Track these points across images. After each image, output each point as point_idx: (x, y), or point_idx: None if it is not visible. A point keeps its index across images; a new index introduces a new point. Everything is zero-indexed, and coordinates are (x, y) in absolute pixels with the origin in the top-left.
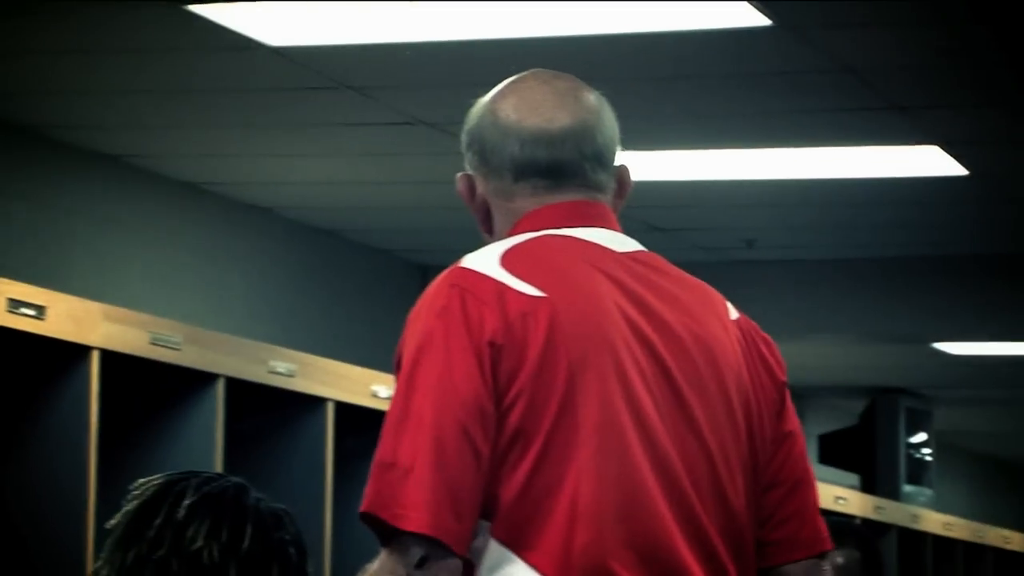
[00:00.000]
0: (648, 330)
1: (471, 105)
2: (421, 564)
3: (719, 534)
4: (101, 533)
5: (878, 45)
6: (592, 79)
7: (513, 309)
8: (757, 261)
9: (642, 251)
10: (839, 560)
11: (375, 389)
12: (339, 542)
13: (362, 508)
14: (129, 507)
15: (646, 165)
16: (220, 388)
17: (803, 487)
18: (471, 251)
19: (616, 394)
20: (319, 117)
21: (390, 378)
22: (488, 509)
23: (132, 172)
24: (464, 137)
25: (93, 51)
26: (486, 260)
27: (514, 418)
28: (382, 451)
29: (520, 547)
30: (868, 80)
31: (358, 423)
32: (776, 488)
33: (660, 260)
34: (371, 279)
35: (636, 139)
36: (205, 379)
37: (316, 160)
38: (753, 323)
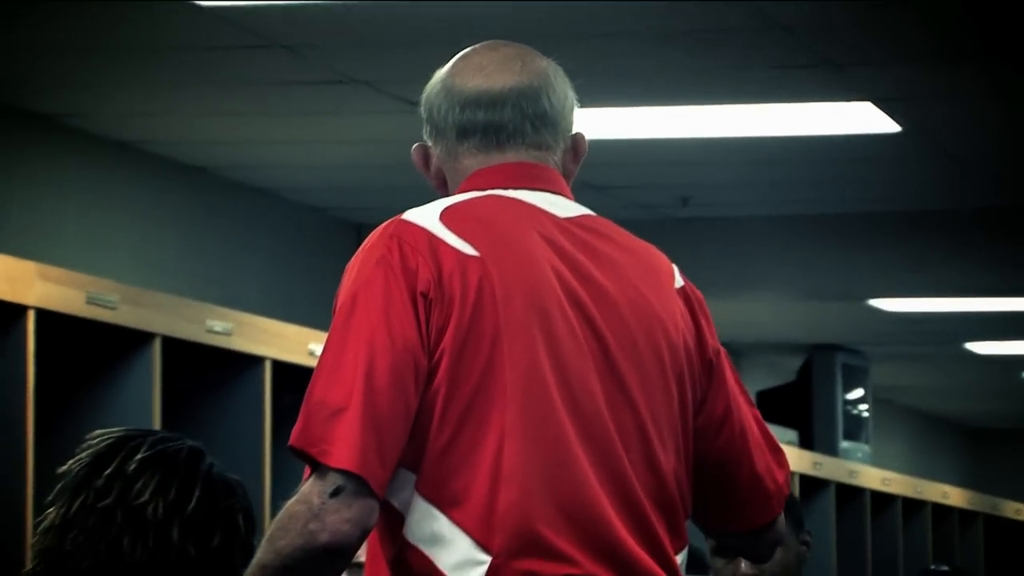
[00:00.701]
0: (582, 295)
1: (404, 63)
2: (336, 493)
3: (649, 498)
4: (39, 490)
5: (810, 1)
6: (526, 38)
7: (446, 264)
8: (692, 219)
9: (587, 215)
10: None
11: (312, 347)
12: (279, 500)
13: (291, 442)
14: (83, 456)
15: (581, 123)
16: (156, 347)
17: (743, 463)
18: (406, 208)
19: (543, 357)
20: (253, 76)
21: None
22: (414, 463)
23: (65, 132)
24: (421, 108)
25: (22, 10)
26: (426, 215)
27: (440, 374)
28: (315, 389)
29: (444, 504)
30: (801, 37)
31: (295, 381)
32: (723, 465)
33: (606, 224)
34: (307, 238)
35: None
36: (141, 338)
37: (250, 119)
38: (698, 293)
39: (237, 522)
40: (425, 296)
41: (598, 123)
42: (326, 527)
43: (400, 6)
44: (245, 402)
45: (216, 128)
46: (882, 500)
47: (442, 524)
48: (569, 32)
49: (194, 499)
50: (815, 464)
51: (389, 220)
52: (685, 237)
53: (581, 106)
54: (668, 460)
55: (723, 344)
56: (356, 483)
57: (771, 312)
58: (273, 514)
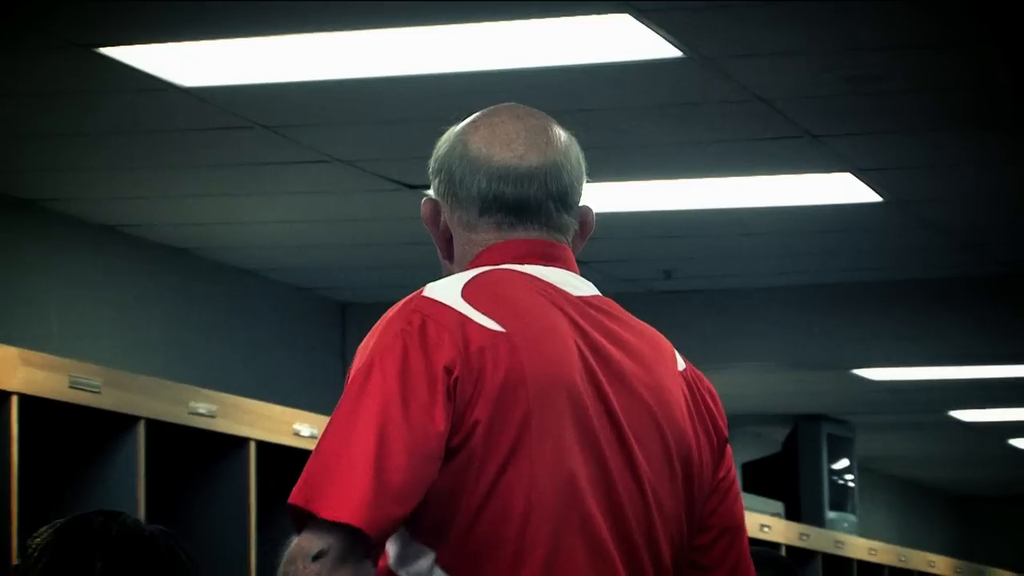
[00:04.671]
0: (600, 374)
1: (387, 141)
2: (319, 557)
3: None
4: None
5: (789, 74)
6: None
7: (474, 341)
8: (676, 291)
9: (597, 295)
10: None
11: (297, 428)
12: None
13: (291, 499)
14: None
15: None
16: (141, 430)
17: (736, 533)
18: (391, 287)
19: (570, 436)
20: (235, 157)
21: (312, 416)
22: (434, 537)
23: (48, 216)
24: (432, 163)
25: (4, 95)
26: (448, 290)
27: (467, 449)
28: (324, 448)
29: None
30: (780, 109)
31: (280, 462)
32: (707, 532)
33: (614, 305)
34: (291, 318)
35: None
36: (125, 422)
37: (233, 200)
38: (699, 373)
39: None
40: (449, 371)
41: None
42: None
43: (381, 84)
44: (230, 483)
45: (199, 210)
46: (869, 570)
47: None
48: (548, 108)
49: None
50: (801, 535)
51: (410, 296)
52: (669, 310)
53: None
54: (668, 543)
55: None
56: (343, 546)
57: (756, 383)
58: None
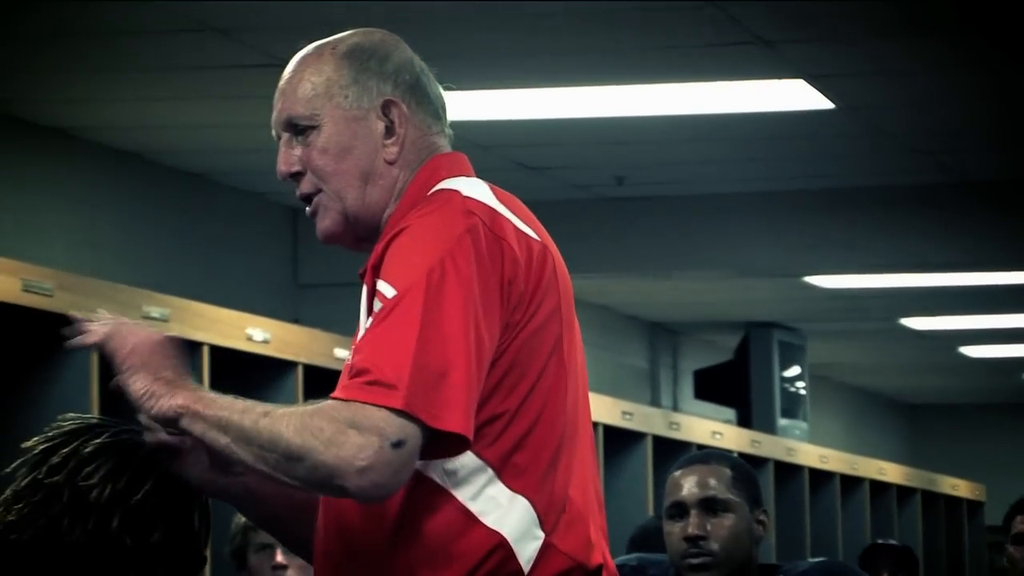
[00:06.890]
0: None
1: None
2: (399, 445)
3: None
4: None
5: None
6: (457, 19)
7: (528, 250)
8: (628, 198)
9: None
10: (711, 480)
11: (250, 332)
12: None
13: (399, 405)
14: (49, 434)
15: (515, 103)
16: None
17: None
18: None
19: (571, 346)
20: (187, 60)
21: (264, 321)
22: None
23: (0, 120)
24: (386, 66)
25: None
26: (485, 194)
27: (513, 351)
28: (420, 350)
29: (504, 472)
30: (733, 15)
31: (234, 366)
32: None
33: None
34: (243, 222)
35: (505, 77)
36: None
37: (184, 104)
38: None
39: (189, 521)
40: (511, 282)
41: (533, 103)
42: (373, 468)
43: None
44: None
45: (151, 113)
46: (820, 477)
47: (500, 490)
48: (502, 13)
49: (142, 491)
50: (753, 442)
51: (447, 194)
52: (621, 216)
53: (513, 87)
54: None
55: (661, 323)
56: (417, 442)
57: (707, 290)
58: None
